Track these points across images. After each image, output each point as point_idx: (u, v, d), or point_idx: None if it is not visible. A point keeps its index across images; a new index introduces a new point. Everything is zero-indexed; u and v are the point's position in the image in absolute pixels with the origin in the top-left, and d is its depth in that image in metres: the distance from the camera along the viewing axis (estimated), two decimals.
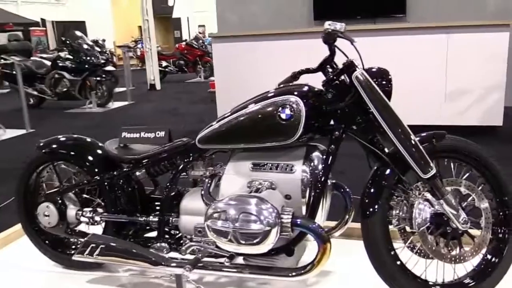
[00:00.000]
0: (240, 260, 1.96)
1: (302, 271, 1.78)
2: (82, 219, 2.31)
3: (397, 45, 5.29)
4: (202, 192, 2.01)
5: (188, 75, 13.71)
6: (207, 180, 2.05)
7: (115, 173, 2.22)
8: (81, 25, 18.66)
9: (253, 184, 1.90)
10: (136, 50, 17.63)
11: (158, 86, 11.34)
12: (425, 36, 5.20)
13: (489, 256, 1.94)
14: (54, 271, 2.43)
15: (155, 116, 7.79)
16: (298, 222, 1.76)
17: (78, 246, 2.13)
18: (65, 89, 8.58)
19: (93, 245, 2.06)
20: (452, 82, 5.18)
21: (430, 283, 1.90)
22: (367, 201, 1.87)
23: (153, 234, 2.21)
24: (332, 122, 1.90)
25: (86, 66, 8.43)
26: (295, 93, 1.85)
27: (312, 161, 1.89)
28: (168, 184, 2.14)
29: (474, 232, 1.90)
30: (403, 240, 1.92)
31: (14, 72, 7.30)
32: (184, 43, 14.33)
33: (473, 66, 5.06)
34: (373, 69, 1.89)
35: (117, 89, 10.57)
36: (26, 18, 16.23)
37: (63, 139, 2.38)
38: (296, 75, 2.03)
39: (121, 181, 2.24)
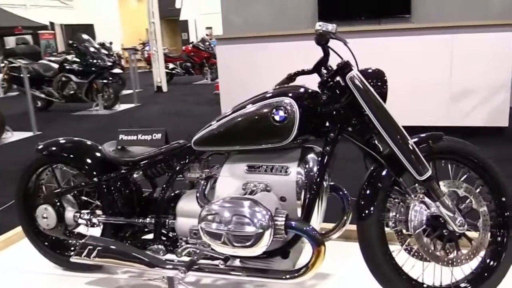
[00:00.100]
0: (236, 262, 1.96)
1: (296, 274, 1.77)
2: (80, 221, 2.32)
3: (402, 46, 5.26)
4: (197, 194, 2.01)
5: (195, 77, 13.76)
6: (202, 182, 2.05)
7: (112, 175, 2.23)
8: (89, 28, 18.84)
9: (248, 186, 1.89)
10: (143, 52, 17.73)
11: (164, 88, 11.40)
12: (429, 36, 5.16)
13: (487, 259, 1.92)
14: (54, 273, 2.44)
15: (161, 118, 7.83)
16: (292, 225, 1.75)
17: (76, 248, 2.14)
18: (72, 92, 8.66)
19: (90, 247, 2.07)
20: (457, 83, 5.13)
21: (426, 286, 1.88)
22: (362, 202, 1.86)
23: (151, 236, 2.21)
24: (327, 124, 1.89)
25: (93, 68, 8.50)
26: (290, 94, 1.84)
27: (307, 163, 1.88)
28: (164, 186, 2.14)
29: (472, 234, 1.88)
30: (400, 243, 1.90)
31: (21, 75, 7.37)
32: (190, 45, 14.39)
33: (479, 66, 5.02)
34: (369, 70, 1.88)
35: (124, 91, 10.65)
36: (35, 21, 16.40)
37: (62, 141, 2.39)
38: (292, 77, 2.03)
39: (119, 183, 2.25)
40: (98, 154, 2.31)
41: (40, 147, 2.36)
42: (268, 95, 1.89)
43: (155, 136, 2.18)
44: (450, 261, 1.84)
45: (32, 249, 2.48)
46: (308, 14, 7.16)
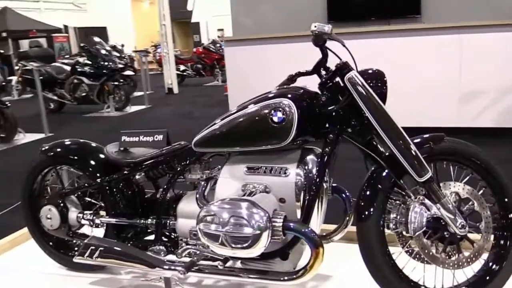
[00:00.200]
0: (236, 263, 1.96)
1: (295, 276, 1.77)
2: (83, 222, 2.34)
3: (411, 46, 5.22)
4: (197, 195, 2.01)
5: (206, 78, 13.80)
6: (202, 183, 2.06)
7: (115, 176, 2.24)
8: (103, 31, 19.02)
9: (247, 188, 1.89)
10: (155, 54, 17.85)
11: (175, 90, 11.46)
12: (439, 36, 5.11)
13: (490, 262, 1.89)
14: (59, 274, 2.46)
15: (172, 119, 7.87)
16: (290, 226, 1.74)
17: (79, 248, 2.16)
18: (83, 94, 8.76)
19: (93, 247, 2.09)
20: (467, 83, 5.07)
21: None
22: (362, 204, 1.85)
23: (153, 237, 2.23)
24: (327, 125, 1.88)
25: (104, 71, 8.59)
26: (289, 96, 1.83)
27: (306, 164, 1.87)
28: (165, 187, 2.15)
29: (474, 236, 1.85)
30: (401, 245, 1.88)
31: (34, 78, 7.48)
32: (201, 47, 14.45)
33: (488, 66, 4.95)
34: (368, 71, 1.87)
35: (136, 93, 10.74)
36: (49, 24, 16.61)
37: (67, 143, 2.42)
38: (292, 78, 2.02)
39: (121, 184, 2.26)
40: (101, 156, 2.32)
41: (44, 148, 2.39)
42: (267, 97, 1.89)
43: (156, 137, 2.19)
44: (451, 264, 1.82)
45: (37, 250, 2.51)
46: (317, 15, 7.13)
